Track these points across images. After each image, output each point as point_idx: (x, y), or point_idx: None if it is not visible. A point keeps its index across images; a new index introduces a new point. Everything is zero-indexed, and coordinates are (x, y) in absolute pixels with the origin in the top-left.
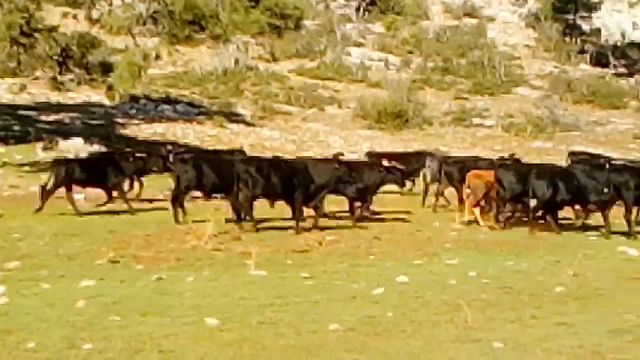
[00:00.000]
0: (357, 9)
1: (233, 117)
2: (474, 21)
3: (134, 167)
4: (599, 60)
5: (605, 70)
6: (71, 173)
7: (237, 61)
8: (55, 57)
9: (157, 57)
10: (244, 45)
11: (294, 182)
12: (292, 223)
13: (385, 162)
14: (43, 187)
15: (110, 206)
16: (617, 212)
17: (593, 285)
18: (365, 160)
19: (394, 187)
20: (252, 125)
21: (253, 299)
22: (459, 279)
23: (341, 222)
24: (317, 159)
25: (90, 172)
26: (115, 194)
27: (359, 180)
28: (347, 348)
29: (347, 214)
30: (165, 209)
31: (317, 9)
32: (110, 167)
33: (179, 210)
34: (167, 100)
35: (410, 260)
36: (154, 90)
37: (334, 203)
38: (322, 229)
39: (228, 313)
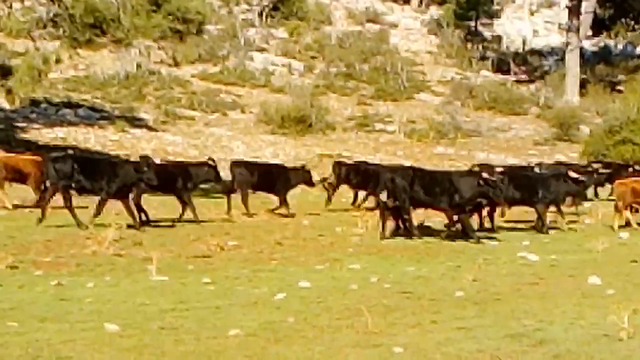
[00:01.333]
0: (260, 14)
1: (135, 121)
2: (377, 27)
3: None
4: (500, 66)
5: (507, 76)
6: None
7: (139, 65)
8: None
9: (58, 60)
10: (146, 49)
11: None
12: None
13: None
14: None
15: (9, 212)
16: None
17: (492, 290)
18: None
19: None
20: (155, 130)
21: (154, 305)
22: (361, 284)
23: (244, 227)
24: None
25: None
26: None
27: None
28: (247, 354)
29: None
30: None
31: (220, 13)
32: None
33: None
34: (69, 104)
35: (312, 265)
36: (54, 94)
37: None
38: (225, 234)
39: (128, 319)
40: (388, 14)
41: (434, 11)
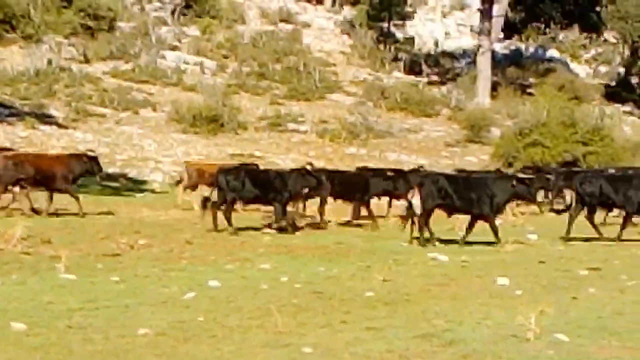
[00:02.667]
0: (173, 12)
1: (45, 118)
2: (290, 27)
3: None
4: (413, 68)
5: (419, 78)
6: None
7: (49, 62)
8: None
9: None
10: (57, 45)
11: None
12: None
13: None
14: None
15: None
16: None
17: (402, 290)
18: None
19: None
20: (65, 127)
21: (62, 303)
22: (271, 283)
23: (155, 226)
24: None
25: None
26: None
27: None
28: (156, 353)
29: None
30: None
31: (132, 11)
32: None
33: None
34: None
35: (223, 264)
36: None
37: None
38: (135, 232)
39: (35, 317)
40: (301, 13)
41: (347, 12)
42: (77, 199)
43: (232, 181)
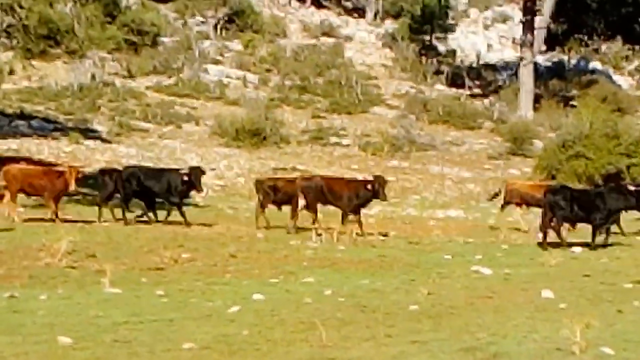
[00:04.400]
0: (215, 27)
1: (89, 133)
2: (332, 40)
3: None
4: (455, 81)
5: (461, 91)
6: None
7: (93, 77)
8: None
9: (12, 71)
10: (101, 60)
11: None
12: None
13: None
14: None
15: None
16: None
17: (446, 303)
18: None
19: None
20: (109, 141)
21: (107, 317)
22: (315, 297)
23: (198, 240)
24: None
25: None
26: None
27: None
28: None
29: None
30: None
31: (175, 25)
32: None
33: None
34: (22, 115)
35: (267, 278)
36: (7, 105)
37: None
38: (179, 246)
39: (81, 331)
40: (343, 27)
41: (389, 25)
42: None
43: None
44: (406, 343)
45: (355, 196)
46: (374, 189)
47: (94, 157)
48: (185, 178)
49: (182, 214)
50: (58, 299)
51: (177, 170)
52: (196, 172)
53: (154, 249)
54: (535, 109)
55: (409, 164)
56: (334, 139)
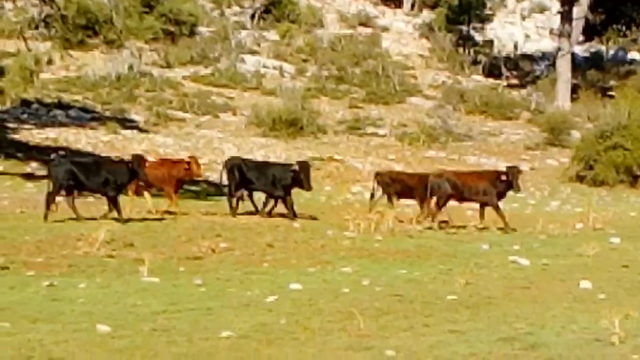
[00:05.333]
0: (252, 17)
1: (126, 123)
2: (369, 31)
3: None
4: (492, 71)
5: (498, 81)
6: None
7: (131, 67)
8: None
9: (50, 61)
10: (138, 50)
11: None
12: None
13: None
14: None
15: (0, 212)
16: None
17: (484, 293)
18: None
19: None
20: (146, 131)
21: (145, 306)
22: (352, 287)
23: (236, 229)
24: None
25: None
26: None
27: None
28: (239, 355)
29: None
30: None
31: (212, 15)
32: None
33: None
34: (60, 105)
35: (304, 268)
36: (46, 94)
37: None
38: (216, 235)
39: (120, 320)
40: (380, 17)
41: (426, 15)
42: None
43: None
44: (444, 333)
45: (490, 188)
46: (508, 180)
47: (131, 146)
48: (292, 174)
49: (290, 207)
50: (97, 287)
51: (284, 165)
52: (305, 168)
53: (192, 238)
54: (572, 99)
55: (445, 155)
56: (370, 129)
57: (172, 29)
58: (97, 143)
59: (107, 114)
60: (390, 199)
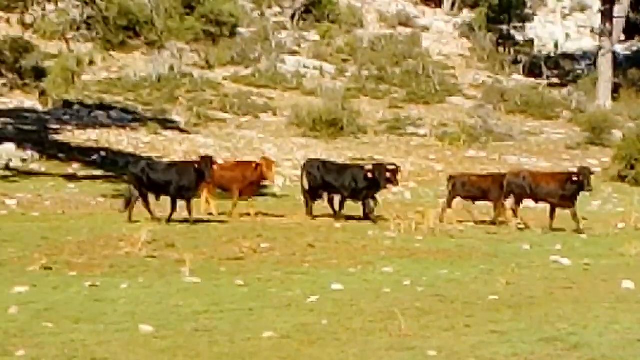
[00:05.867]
0: (292, 17)
1: (167, 124)
2: (409, 30)
3: None
4: (532, 70)
5: (539, 80)
6: None
7: (171, 68)
8: None
9: (91, 62)
10: (179, 51)
11: None
12: (226, 229)
13: None
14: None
15: (43, 212)
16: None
17: (526, 293)
18: None
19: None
20: (187, 132)
21: (187, 306)
22: (393, 287)
23: (276, 230)
24: None
25: None
26: None
27: None
28: (281, 356)
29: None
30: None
31: (252, 16)
32: None
33: None
34: (101, 106)
35: (345, 268)
36: (87, 96)
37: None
38: (257, 236)
39: (162, 320)
40: (420, 17)
41: (466, 14)
42: None
43: None
44: (485, 333)
45: (561, 189)
46: (580, 181)
47: (172, 147)
48: (369, 175)
49: (367, 207)
50: (139, 287)
51: (361, 166)
52: (379, 169)
53: (232, 238)
54: (614, 98)
55: (486, 154)
56: (410, 129)
57: (212, 29)
58: (138, 144)
59: (148, 114)
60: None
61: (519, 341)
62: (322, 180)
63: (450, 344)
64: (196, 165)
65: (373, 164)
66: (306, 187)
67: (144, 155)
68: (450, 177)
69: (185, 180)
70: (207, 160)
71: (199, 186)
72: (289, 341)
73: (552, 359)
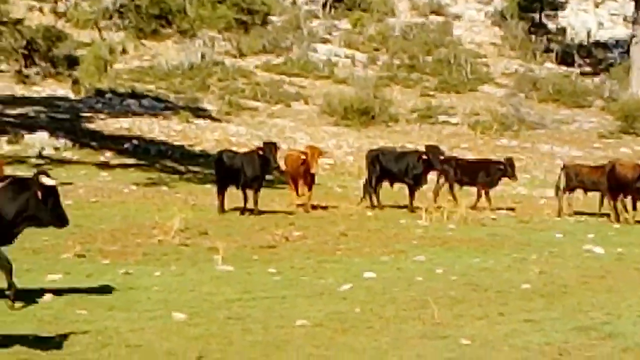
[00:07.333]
0: (324, 6)
1: (199, 112)
2: (440, 19)
3: None
4: (565, 59)
5: (571, 69)
6: None
7: (203, 56)
8: (21, 50)
9: (124, 51)
10: (211, 40)
11: None
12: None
13: None
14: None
15: (76, 200)
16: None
17: (559, 282)
18: None
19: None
20: (218, 120)
21: (220, 294)
22: (426, 275)
23: (309, 218)
24: None
25: None
26: None
27: None
28: (314, 344)
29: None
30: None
31: (284, 5)
32: None
33: None
34: (133, 94)
35: (377, 256)
36: (119, 84)
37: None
38: (289, 224)
39: (195, 308)
40: (452, 5)
41: (498, 3)
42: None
43: None
44: (519, 322)
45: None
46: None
47: (204, 135)
48: (424, 157)
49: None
50: (171, 275)
51: (417, 151)
52: (434, 151)
53: (265, 227)
54: None
55: (518, 143)
56: (442, 118)
57: (244, 18)
58: (170, 132)
59: (180, 103)
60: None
61: (552, 330)
62: (382, 169)
63: (483, 332)
64: (259, 152)
65: (426, 146)
66: (373, 177)
67: (176, 143)
68: (564, 166)
69: (250, 169)
70: (271, 146)
71: (265, 174)
72: (322, 329)
73: (586, 348)
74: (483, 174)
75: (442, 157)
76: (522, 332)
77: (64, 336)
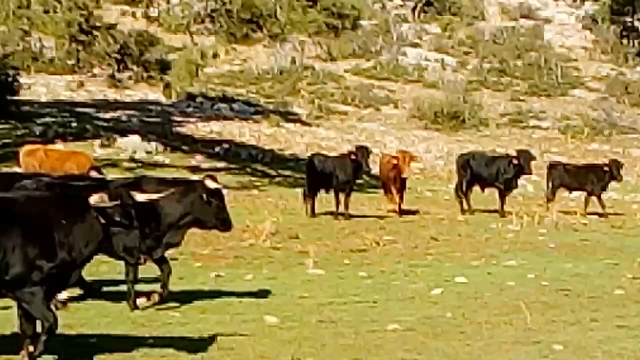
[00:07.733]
0: (414, 10)
1: (289, 116)
2: (531, 23)
3: None
4: None
5: None
6: None
7: (293, 60)
8: (114, 55)
9: (215, 55)
10: (301, 44)
11: None
12: (348, 221)
13: None
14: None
15: None
16: None
17: None
18: None
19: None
20: (308, 124)
21: (312, 298)
22: (517, 280)
23: (399, 222)
24: None
25: None
26: None
27: None
28: (406, 348)
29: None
30: None
31: (374, 9)
32: None
33: None
34: (224, 98)
35: (468, 261)
36: (210, 88)
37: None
38: (380, 228)
39: (287, 311)
40: (542, 9)
41: (589, 6)
42: None
43: None
44: (612, 328)
45: None
46: None
47: (294, 140)
48: (515, 162)
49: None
50: (263, 279)
51: (507, 155)
52: (525, 156)
53: (355, 231)
54: None
55: (609, 148)
56: (533, 122)
57: (335, 22)
58: (260, 136)
59: (270, 107)
60: None
61: None
62: (472, 174)
63: (576, 338)
64: (352, 157)
65: (518, 150)
66: (463, 181)
67: (266, 147)
68: None
69: (343, 173)
70: (363, 150)
71: (357, 178)
72: (414, 334)
73: None
74: (593, 178)
75: (550, 163)
76: (616, 339)
77: (158, 338)
